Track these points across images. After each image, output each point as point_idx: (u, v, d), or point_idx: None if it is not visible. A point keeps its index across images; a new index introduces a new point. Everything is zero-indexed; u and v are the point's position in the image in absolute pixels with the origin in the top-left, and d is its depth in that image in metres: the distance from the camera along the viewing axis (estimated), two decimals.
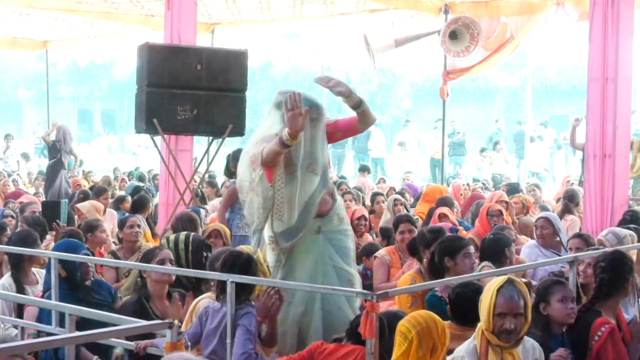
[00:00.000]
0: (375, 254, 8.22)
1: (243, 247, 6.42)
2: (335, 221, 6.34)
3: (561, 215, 10.22)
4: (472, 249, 6.69)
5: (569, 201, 11.03)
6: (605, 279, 5.69)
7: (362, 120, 6.29)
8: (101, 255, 8.51)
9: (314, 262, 6.21)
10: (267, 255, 6.33)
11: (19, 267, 7.25)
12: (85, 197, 12.34)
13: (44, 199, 13.24)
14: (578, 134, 13.40)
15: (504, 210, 9.65)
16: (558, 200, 12.60)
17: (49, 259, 6.45)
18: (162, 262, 6.38)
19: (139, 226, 8.61)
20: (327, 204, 6.29)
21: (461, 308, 5.57)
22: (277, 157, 5.94)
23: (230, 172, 9.47)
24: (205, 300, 5.98)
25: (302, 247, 6.19)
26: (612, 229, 8.07)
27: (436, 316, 4.72)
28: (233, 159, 9.23)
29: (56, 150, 15.65)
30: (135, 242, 8.57)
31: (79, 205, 11.24)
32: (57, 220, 9.61)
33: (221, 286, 5.58)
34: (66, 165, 15.54)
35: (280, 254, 6.21)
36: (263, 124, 6.41)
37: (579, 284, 6.49)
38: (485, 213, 9.40)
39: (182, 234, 7.29)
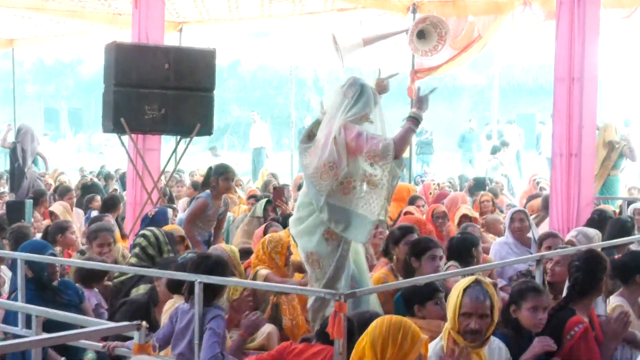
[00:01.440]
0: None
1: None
2: None
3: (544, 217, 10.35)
4: (439, 251, 6.72)
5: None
6: (579, 278, 5.72)
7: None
8: (69, 256, 8.47)
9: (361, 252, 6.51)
10: (314, 246, 6.20)
11: None
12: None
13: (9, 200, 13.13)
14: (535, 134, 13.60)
15: (446, 211, 9.99)
16: (529, 199, 12.66)
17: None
18: None
19: (109, 245, 8.31)
20: None
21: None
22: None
23: (205, 185, 9.40)
24: (179, 302, 5.97)
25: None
26: (580, 229, 8.15)
27: (406, 324, 4.34)
28: (215, 173, 9.15)
29: (18, 150, 15.50)
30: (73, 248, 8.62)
31: (52, 207, 11.23)
32: (22, 220, 9.56)
33: (190, 287, 5.58)
34: (29, 164, 15.32)
35: (343, 244, 6.16)
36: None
37: (545, 282, 6.55)
38: (430, 215, 9.59)
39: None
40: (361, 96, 6.25)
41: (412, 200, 11.05)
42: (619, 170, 13.43)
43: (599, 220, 8.90)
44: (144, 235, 7.49)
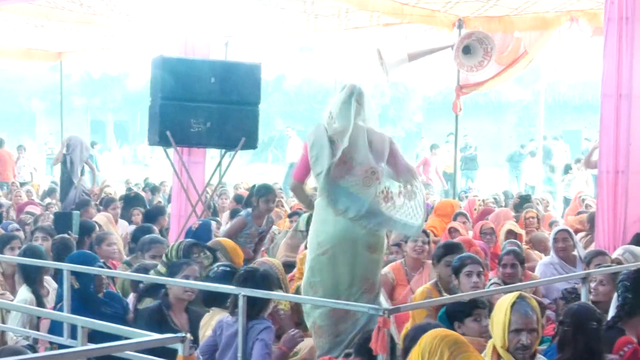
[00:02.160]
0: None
1: None
2: None
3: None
4: (476, 267, 6.66)
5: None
6: (628, 298, 5.64)
7: None
8: (114, 267, 8.54)
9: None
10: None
11: (36, 279, 7.27)
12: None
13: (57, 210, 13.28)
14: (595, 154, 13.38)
15: (494, 227, 9.87)
16: (577, 214, 12.55)
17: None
18: (186, 278, 6.44)
19: (161, 257, 8.54)
20: None
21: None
22: None
23: (248, 203, 9.45)
24: (221, 315, 6.00)
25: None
26: (627, 247, 8.04)
27: (459, 340, 4.41)
28: (257, 194, 9.20)
29: (68, 162, 15.68)
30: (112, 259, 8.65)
31: (96, 218, 11.32)
32: (69, 232, 9.64)
33: (235, 301, 5.60)
34: (78, 175, 15.47)
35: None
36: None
37: (590, 301, 6.47)
38: (478, 231, 9.52)
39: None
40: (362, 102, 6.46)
41: (455, 217, 11.01)
42: None
43: None
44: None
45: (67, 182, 15.50)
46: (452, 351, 4.19)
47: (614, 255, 7.88)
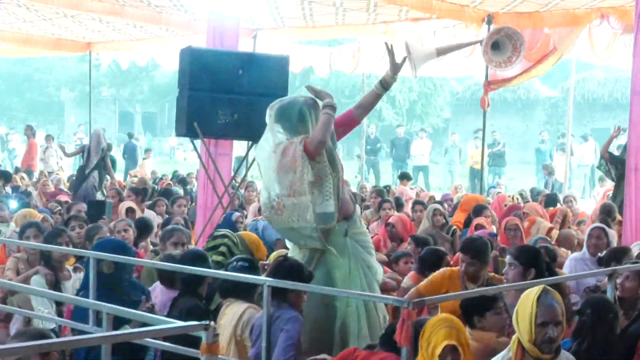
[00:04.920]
0: (402, 284, 7.71)
1: None
2: (358, 223, 6.49)
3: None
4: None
5: (607, 215, 10.91)
6: None
7: (368, 106, 6.61)
8: (140, 256, 8.58)
9: (347, 264, 6.27)
10: (290, 253, 6.43)
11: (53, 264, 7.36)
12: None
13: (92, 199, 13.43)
14: (613, 144, 13.30)
15: (519, 223, 9.72)
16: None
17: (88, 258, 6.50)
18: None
19: (125, 231, 8.74)
20: (350, 205, 6.38)
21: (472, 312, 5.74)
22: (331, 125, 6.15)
23: None
24: (251, 310, 6.00)
25: (336, 250, 6.23)
26: None
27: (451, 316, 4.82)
28: None
29: (85, 154, 15.83)
30: None
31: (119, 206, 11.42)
32: (104, 218, 9.75)
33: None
34: (92, 166, 15.56)
35: (313, 254, 6.25)
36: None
37: (616, 297, 6.44)
38: (503, 227, 9.53)
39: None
40: (284, 122, 6.33)
41: (478, 211, 10.91)
42: None
43: None
44: (225, 236, 7.57)
45: (80, 172, 15.66)
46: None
47: (637, 252, 7.86)
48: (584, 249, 8.49)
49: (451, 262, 7.92)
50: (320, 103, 6.29)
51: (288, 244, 6.64)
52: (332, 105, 6.19)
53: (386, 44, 6.87)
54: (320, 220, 6.08)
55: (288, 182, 6.08)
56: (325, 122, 6.10)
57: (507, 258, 6.54)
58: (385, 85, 6.61)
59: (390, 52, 6.67)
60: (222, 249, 7.48)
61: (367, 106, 6.71)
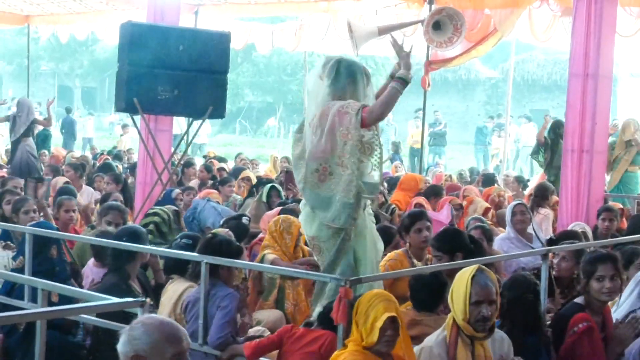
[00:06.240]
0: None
1: None
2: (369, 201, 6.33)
3: (532, 210, 10.19)
4: (425, 223, 7.00)
5: (540, 198, 10.91)
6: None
7: (385, 111, 6.02)
8: (75, 233, 8.51)
9: (365, 243, 6.14)
10: (315, 231, 6.07)
11: None
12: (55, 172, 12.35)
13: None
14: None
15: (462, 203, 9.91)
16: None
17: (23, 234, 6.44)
18: None
19: (74, 211, 8.74)
20: None
21: (419, 293, 5.68)
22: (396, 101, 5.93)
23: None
24: (190, 290, 5.98)
25: (358, 227, 6.05)
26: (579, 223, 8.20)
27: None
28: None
29: (15, 123, 15.59)
30: (69, 225, 8.62)
31: (52, 182, 11.26)
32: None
33: (196, 268, 5.65)
34: (20, 135, 15.35)
35: (345, 230, 5.97)
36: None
37: (552, 277, 6.54)
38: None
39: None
40: (338, 76, 6.05)
41: (432, 191, 10.98)
42: (638, 167, 13.29)
43: None
44: (157, 214, 7.53)
45: (13, 143, 15.45)
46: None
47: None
48: (508, 228, 8.57)
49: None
50: (393, 71, 6.09)
51: (307, 221, 6.17)
52: (405, 79, 5.96)
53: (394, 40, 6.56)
54: (367, 190, 5.89)
55: (339, 151, 5.85)
56: (391, 96, 5.87)
57: (432, 251, 6.56)
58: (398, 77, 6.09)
59: (395, 45, 6.32)
60: (150, 227, 7.47)
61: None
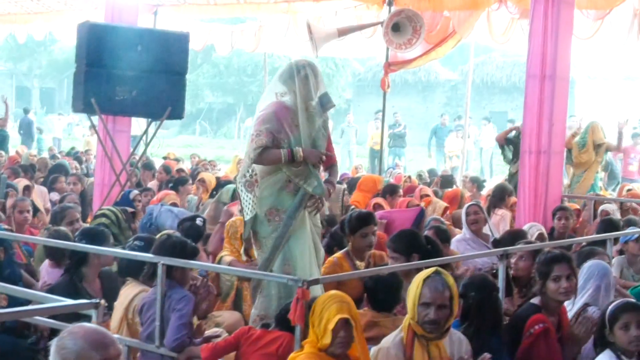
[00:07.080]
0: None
1: None
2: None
3: (489, 210, 10.24)
4: (372, 228, 6.92)
5: (498, 199, 10.91)
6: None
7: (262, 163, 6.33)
8: (32, 234, 8.43)
9: (308, 240, 6.28)
10: (257, 226, 6.27)
11: None
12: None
13: None
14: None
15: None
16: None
17: None
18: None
19: (28, 212, 8.69)
20: None
21: (378, 294, 5.70)
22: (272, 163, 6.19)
23: None
24: (142, 295, 5.92)
25: (298, 225, 6.23)
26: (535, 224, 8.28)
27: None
28: None
29: None
30: (23, 226, 8.58)
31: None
32: None
33: (152, 270, 5.60)
34: None
35: (283, 226, 6.18)
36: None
37: (510, 277, 6.56)
38: (405, 206, 9.75)
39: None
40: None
41: (389, 190, 11.01)
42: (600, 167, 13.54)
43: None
44: (104, 215, 7.47)
45: None
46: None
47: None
48: (464, 229, 8.61)
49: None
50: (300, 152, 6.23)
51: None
52: (295, 157, 6.18)
53: None
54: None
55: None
56: (273, 158, 6.18)
57: (389, 251, 6.56)
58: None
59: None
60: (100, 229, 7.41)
61: None
